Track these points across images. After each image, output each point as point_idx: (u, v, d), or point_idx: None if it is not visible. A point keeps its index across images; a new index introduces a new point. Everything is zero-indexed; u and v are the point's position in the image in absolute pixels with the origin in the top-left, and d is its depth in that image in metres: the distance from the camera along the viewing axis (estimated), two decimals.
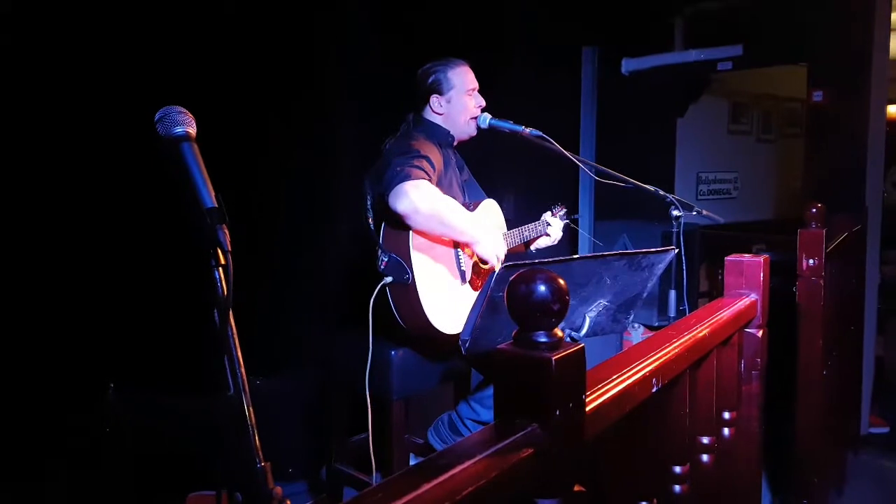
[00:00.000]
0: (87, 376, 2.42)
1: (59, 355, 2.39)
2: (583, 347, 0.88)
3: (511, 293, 0.85)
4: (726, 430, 1.67)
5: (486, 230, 2.32)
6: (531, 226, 2.69)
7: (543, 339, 0.84)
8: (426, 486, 0.70)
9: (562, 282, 0.84)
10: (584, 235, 4.22)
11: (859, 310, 3.47)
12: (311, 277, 3.14)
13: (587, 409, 0.94)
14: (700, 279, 4.71)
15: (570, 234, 3.18)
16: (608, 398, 1.02)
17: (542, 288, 0.83)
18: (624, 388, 1.07)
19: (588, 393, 0.96)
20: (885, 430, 3.62)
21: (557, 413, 0.84)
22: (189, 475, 2.35)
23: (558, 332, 0.85)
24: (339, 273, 3.03)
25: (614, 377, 1.08)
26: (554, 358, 0.82)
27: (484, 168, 2.81)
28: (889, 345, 4.35)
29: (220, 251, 1.01)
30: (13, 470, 2.28)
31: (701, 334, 1.41)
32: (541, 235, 2.74)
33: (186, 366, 2.12)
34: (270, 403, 2.87)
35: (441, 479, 0.72)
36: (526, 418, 0.84)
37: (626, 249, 4.31)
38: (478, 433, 0.84)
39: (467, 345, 1.59)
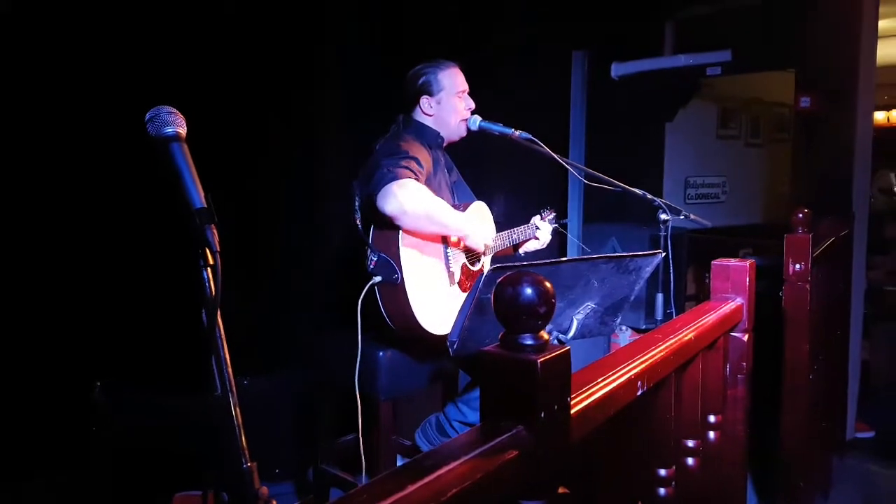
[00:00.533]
0: (74, 375, 2.41)
1: (46, 354, 2.38)
2: (568, 350, 0.88)
3: (498, 295, 0.85)
4: (711, 434, 1.68)
5: (475, 223, 2.32)
6: (520, 229, 2.69)
7: (529, 342, 0.84)
8: (412, 487, 0.70)
9: (548, 284, 0.84)
10: (573, 240, 4.23)
11: (845, 314, 3.49)
12: (298, 277, 3.13)
13: (573, 411, 0.94)
14: (687, 283, 4.73)
15: (558, 238, 3.19)
16: (594, 401, 1.02)
17: (529, 291, 0.83)
18: (609, 390, 1.07)
19: (574, 395, 0.97)
20: (871, 434, 3.64)
21: (543, 415, 0.85)
22: (176, 475, 2.34)
23: (544, 334, 0.85)
24: (328, 273, 3.03)
25: (600, 380, 1.09)
26: (539, 360, 0.83)
27: (473, 170, 2.81)
28: (875, 349, 4.38)
29: (208, 251, 1.01)
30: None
31: (687, 338, 1.42)
32: (529, 239, 2.74)
33: (174, 366, 2.12)
34: (257, 404, 2.86)
35: (427, 480, 0.72)
36: (512, 420, 0.84)
37: (615, 252, 4.32)
38: (464, 435, 0.84)
39: (455, 346, 1.58)
